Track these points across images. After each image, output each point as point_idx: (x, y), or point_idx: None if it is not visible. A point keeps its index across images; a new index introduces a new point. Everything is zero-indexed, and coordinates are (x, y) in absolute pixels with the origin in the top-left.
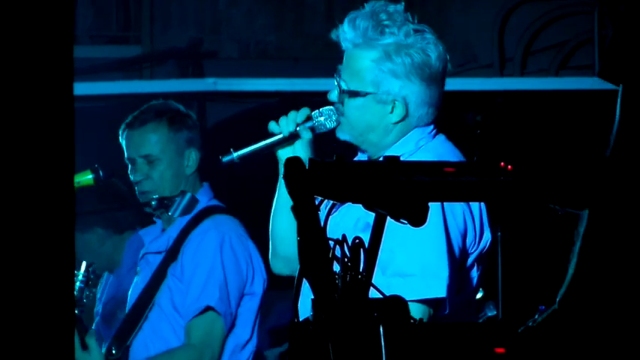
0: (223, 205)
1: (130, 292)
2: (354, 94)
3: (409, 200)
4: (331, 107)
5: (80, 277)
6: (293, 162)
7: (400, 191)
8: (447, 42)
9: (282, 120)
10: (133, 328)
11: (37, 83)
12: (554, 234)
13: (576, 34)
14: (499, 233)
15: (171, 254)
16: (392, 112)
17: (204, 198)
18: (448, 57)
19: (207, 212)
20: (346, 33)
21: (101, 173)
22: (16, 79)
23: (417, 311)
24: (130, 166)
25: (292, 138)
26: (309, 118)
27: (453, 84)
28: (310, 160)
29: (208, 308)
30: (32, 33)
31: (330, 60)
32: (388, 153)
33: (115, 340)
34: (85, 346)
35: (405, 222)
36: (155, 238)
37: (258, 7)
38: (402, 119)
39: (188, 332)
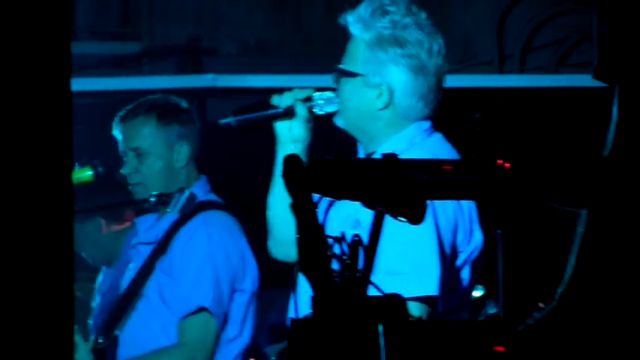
0: (220, 199)
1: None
2: (344, 73)
3: (407, 198)
4: (334, 93)
5: None
6: (291, 160)
7: (398, 189)
8: (446, 39)
9: (284, 94)
10: (120, 317)
11: (34, 79)
12: (554, 232)
13: (576, 31)
14: (499, 231)
15: (161, 247)
16: (378, 97)
17: (200, 192)
18: (443, 52)
19: (200, 207)
20: (349, 15)
21: (100, 169)
22: (14, 75)
23: (410, 309)
24: (123, 159)
25: (288, 113)
26: (309, 98)
27: (452, 81)
28: (310, 158)
29: (202, 309)
30: (30, 29)
31: (329, 57)
32: (381, 149)
33: (102, 329)
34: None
35: (404, 220)
36: (148, 228)
37: (257, 3)
38: (387, 106)
39: (182, 331)
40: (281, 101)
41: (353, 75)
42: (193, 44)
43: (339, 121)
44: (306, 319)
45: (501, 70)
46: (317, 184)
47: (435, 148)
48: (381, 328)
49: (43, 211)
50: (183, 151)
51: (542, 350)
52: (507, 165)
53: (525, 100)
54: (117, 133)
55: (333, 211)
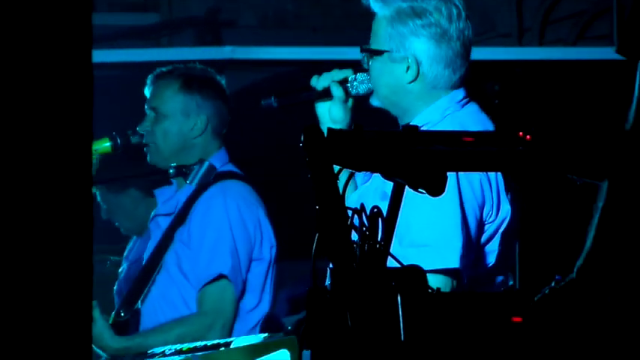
0: (239, 170)
1: (143, 253)
2: (371, 52)
3: (427, 170)
4: (368, 73)
5: None
6: (311, 130)
7: (418, 161)
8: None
9: (323, 75)
10: (141, 291)
11: (56, 50)
12: (572, 204)
13: (595, 3)
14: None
15: (179, 219)
16: (407, 71)
17: (217, 163)
18: (463, 15)
19: (217, 177)
20: None
21: (119, 141)
22: (36, 46)
23: (432, 282)
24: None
25: (325, 94)
26: (345, 80)
27: (471, 53)
28: (329, 129)
29: (221, 276)
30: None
31: (348, 29)
32: (415, 121)
33: (123, 303)
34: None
35: (423, 192)
36: (167, 200)
37: None
38: (416, 78)
39: (200, 300)
40: (318, 83)
41: (379, 53)
42: (212, 16)
43: (374, 101)
44: (324, 289)
45: (520, 42)
46: (337, 156)
47: (467, 120)
48: (399, 299)
49: (63, 182)
50: (200, 122)
51: (560, 322)
52: (528, 137)
53: (544, 73)
54: (146, 90)
55: (368, 184)
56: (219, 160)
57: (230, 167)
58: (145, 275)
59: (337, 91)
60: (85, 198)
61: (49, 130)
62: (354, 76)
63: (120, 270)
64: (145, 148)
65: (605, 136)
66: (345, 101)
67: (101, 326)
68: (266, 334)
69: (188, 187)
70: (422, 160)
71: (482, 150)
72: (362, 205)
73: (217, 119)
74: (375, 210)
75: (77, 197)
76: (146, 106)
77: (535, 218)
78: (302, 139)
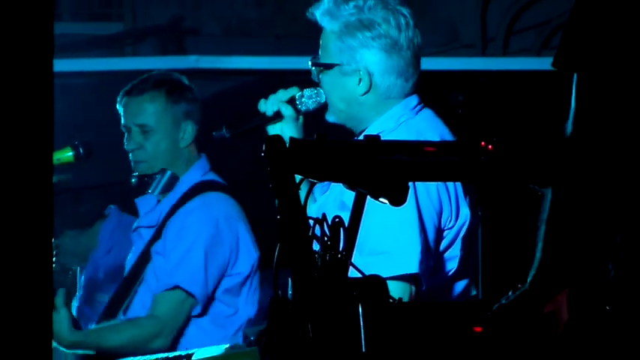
0: (219, 179)
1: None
2: (321, 66)
3: (389, 179)
4: (315, 88)
5: None
6: (273, 140)
7: (380, 170)
8: (428, 21)
9: (270, 98)
10: (123, 302)
11: (16, 59)
12: (533, 213)
13: (559, 14)
14: (479, 213)
15: (158, 231)
16: (359, 83)
17: (199, 172)
18: (412, 23)
19: (198, 189)
20: (315, 9)
21: (81, 150)
22: None
23: (392, 289)
24: (125, 134)
25: (276, 116)
26: (292, 99)
27: (435, 63)
28: (291, 138)
29: (176, 287)
30: (13, 9)
31: (312, 38)
32: (369, 130)
33: (105, 313)
34: (52, 307)
35: (385, 201)
36: (149, 211)
37: None
38: (369, 90)
39: (155, 304)
40: (267, 106)
41: (330, 67)
42: (176, 25)
43: (329, 117)
44: (285, 299)
45: (484, 52)
46: (299, 165)
47: (422, 125)
48: (360, 309)
49: (24, 190)
50: (188, 130)
51: (521, 332)
52: (490, 147)
53: (508, 82)
54: (120, 107)
55: (328, 194)
56: (201, 168)
57: (212, 176)
58: (126, 286)
59: (287, 111)
60: (46, 206)
61: (9, 139)
62: (300, 93)
63: (77, 296)
64: (134, 164)
65: (551, 147)
66: (297, 119)
67: (63, 315)
68: (227, 345)
69: (170, 198)
70: (384, 169)
71: (444, 160)
72: (324, 215)
73: (199, 122)
74: (337, 220)
75: (38, 206)
76: (129, 124)
77: (497, 228)
78: (264, 148)
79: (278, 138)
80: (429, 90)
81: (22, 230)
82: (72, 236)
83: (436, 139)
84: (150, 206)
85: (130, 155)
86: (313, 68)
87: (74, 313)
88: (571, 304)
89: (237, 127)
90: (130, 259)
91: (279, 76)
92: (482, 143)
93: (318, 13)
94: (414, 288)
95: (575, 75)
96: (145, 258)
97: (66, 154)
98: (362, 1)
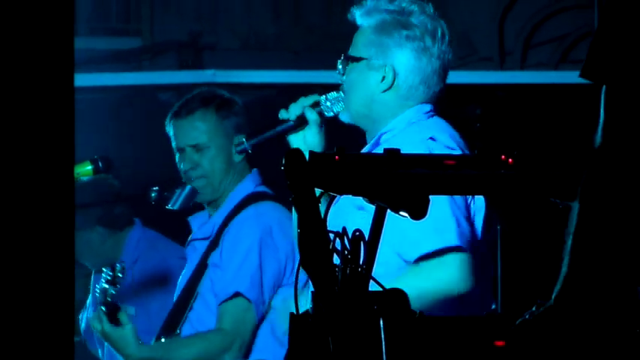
0: (271, 191)
1: (179, 278)
2: (349, 59)
3: (409, 193)
4: (338, 92)
5: (106, 275)
6: (293, 154)
7: (400, 184)
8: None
9: (291, 106)
10: (180, 317)
11: (38, 75)
12: (555, 227)
13: (576, 27)
14: (498, 226)
15: (214, 242)
16: (382, 80)
17: (251, 184)
18: (447, 38)
19: (251, 199)
20: (356, 9)
21: (100, 164)
22: (18, 71)
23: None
24: (177, 155)
25: (301, 123)
26: (316, 103)
27: (453, 77)
28: (310, 152)
29: (237, 294)
30: (33, 25)
31: (329, 52)
32: (383, 130)
33: (164, 328)
34: (117, 322)
35: (405, 215)
36: (202, 224)
37: None
38: (390, 87)
39: (219, 317)
40: (290, 113)
41: (357, 59)
42: (193, 40)
43: (343, 116)
44: (306, 314)
45: (502, 66)
46: (318, 179)
47: (433, 126)
48: (382, 323)
49: (45, 205)
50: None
51: (543, 347)
52: (510, 160)
53: (526, 96)
54: (170, 129)
55: (343, 197)
56: (253, 180)
57: (263, 188)
58: (182, 301)
59: (312, 115)
60: (68, 221)
61: (31, 154)
62: (324, 97)
63: (88, 302)
64: (190, 183)
65: (578, 160)
66: (321, 125)
67: (129, 331)
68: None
69: (223, 210)
70: (403, 183)
71: (464, 173)
72: (344, 229)
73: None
74: (357, 233)
75: (59, 220)
76: (182, 145)
77: (516, 241)
78: (283, 162)
79: (298, 152)
80: (447, 103)
81: (44, 246)
82: (101, 233)
83: (445, 138)
84: (203, 220)
85: (185, 174)
86: (340, 63)
87: (84, 323)
88: (599, 324)
89: (257, 137)
90: (185, 273)
91: (296, 89)
92: (503, 157)
93: (359, 12)
94: (465, 257)
95: (604, 86)
96: (200, 270)
97: (85, 168)
98: (405, 2)
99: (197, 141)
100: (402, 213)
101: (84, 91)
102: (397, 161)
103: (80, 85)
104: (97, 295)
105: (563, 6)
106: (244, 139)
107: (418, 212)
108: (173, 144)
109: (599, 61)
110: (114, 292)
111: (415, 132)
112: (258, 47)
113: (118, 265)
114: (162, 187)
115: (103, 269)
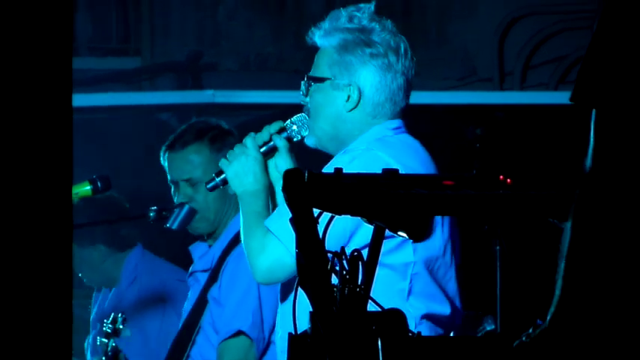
0: None
1: (184, 307)
2: (313, 80)
3: (408, 213)
4: (303, 115)
5: (106, 328)
6: (292, 174)
7: (399, 204)
8: (446, 55)
9: (257, 136)
10: (183, 352)
11: (36, 94)
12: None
13: (576, 48)
14: (497, 247)
15: (213, 275)
16: (348, 100)
17: None
18: (410, 53)
19: None
20: (316, 30)
21: (99, 184)
22: (16, 90)
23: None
24: (172, 188)
25: (271, 151)
26: (282, 129)
27: (452, 97)
28: (309, 172)
29: (240, 332)
30: (31, 44)
31: None
32: (349, 147)
33: None
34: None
35: (404, 235)
36: (203, 255)
37: (257, 18)
38: (356, 106)
39: (221, 354)
40: (257, 142)
41: (321, 80)
42: (193, 60)
43: (309, 140)
44: (304, 334)
45: (501, 87)
46: (317, 199)
47: (397, 143)
48: (380, 343)
49: (42, 224)
50: None
51: None
52: (509, 181)
53: (526, 116)
54: (164, 162)
55: None
56: None
57: None
58: (185, 335)
59: (280, 142)
60: (65, 241)
61: (29, 174)
62: (288, 121)
63: (92, 324)
64: (187, 205)
65: (570, 182)
66: (291, 150)
67: None
68: None
69: (222, 240)
70: (402, 203)
71: (462, 193)
72: (342, 249)
73: None
74: (356, 254)
75: (57, 240)
76: (176, 179)
77: (515, 261)
78: (282, 182)
79: (297, 171)
80: (447, 123)
81: (42, 266)
82: (102, 252)
83: (411, 157)
84: (202, 251)
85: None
86: (303, 85)
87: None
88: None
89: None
90: (187, 306)
91: (296, 110)
92: (501, 177)
93: (319, 33)
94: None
95: (593, 110)
96: (201, 304)
97: (84, 188)
98: (365, 21)
99: (190, 175)
100: (400, 233)
101: (83, 111)
102: (395, 181)
103: (79, 105)
104: (98, 345)
105: (563, 27)
106: (214, 175)
107: (417, 232)
108: (168, 177)
109: (588, 86)
110: (114, 345)
111: (381, 148)
112: (258, 68)
113: (119, 317)
114: (161, 207)
115: (105, 321)
